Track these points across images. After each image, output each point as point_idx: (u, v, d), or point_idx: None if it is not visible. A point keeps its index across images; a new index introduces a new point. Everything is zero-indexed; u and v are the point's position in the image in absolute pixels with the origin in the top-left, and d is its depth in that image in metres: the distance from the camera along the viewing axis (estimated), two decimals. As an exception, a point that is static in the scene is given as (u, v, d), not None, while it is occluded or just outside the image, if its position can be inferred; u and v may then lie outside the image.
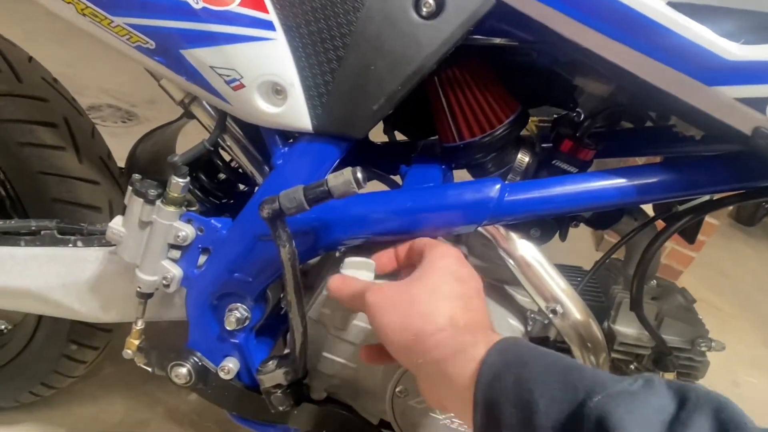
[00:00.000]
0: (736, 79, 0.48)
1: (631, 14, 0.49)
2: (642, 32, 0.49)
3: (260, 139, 0.66)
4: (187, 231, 0.67)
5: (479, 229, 0.62)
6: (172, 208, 0.65)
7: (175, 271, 0.68)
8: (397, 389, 0.66)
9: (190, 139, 0.75)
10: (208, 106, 0.68)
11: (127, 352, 0.74)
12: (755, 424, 0.33)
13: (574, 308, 0.63)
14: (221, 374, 0.71)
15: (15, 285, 0.80)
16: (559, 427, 0.36)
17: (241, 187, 0.82)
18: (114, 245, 0.71)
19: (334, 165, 0.63)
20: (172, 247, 0.68)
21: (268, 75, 0.57)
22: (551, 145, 0.70)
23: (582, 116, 0.71)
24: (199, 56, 0.58)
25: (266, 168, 0.71)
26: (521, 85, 0.70)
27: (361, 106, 0.58)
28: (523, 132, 0.70)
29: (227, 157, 0.76)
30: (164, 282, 0.68)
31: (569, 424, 0.36)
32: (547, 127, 0.78)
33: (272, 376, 0.66)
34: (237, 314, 0.68)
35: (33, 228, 0.80)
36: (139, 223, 0.67)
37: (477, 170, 0.70)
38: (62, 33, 2.18)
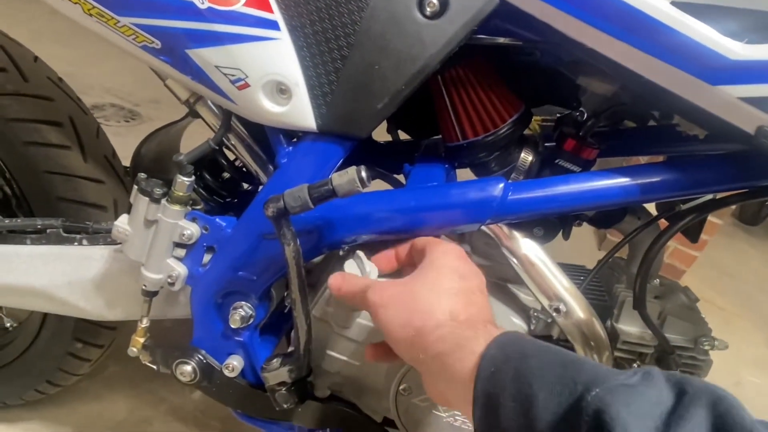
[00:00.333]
0: (740, 78, 0.48)
1: (635, 14, 0.49)
2: (646, 32, 0.49)
3: (265, 138, 0.66)
4: (192, 229, 0.67)
5: (482, 227, 0.62)
6: (177, 207, 0.66)
7: (180, 270, 0.69)
8: (401, 387, 0.67)
9: (195, 138, 0.75)
10: (213, 106, 0.69)
11: (132, 350, 0.75)
12: (753, 417, 0.33)
13: (577, 307, 0.63)
14: (226, 372, 0.72)
15: (21, 283, 0.81)
16: (558, 420, 0.37)
17: (246, 186, 0.82)
18: (119, 244, 0.72)
19: (339, 164, 0.63)
20: (177, 245, 0.69)
21: (272, 74, 0.58)
22: (554, 144, 0.70)
23: (585, 115, 0.71)
24: (205, 56, 0.58)
25: (271, 167, 0.71)
26: (524, 85, 0.71)
27: (365, 106, 0.58)
28: (527, 131, 0.70)
29: (232, 156, 0.76)
30: (169, 280, 0.69)
31: (567, 418, 0.36)
32: (551, 126, 0.78)
33: (276, 373, 0.66)
34: (241, 312, 0.69)
35: (39, 226, 0.80)
36: (144, 222, 0.68)
37: (480, 169, 0.70)
38: (66, 33, 2.18)
